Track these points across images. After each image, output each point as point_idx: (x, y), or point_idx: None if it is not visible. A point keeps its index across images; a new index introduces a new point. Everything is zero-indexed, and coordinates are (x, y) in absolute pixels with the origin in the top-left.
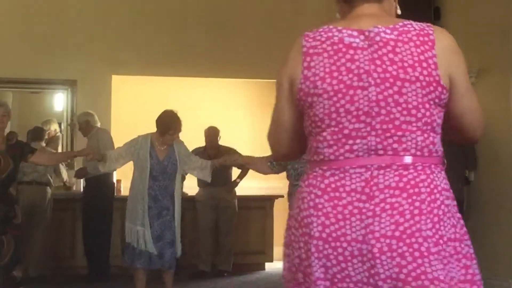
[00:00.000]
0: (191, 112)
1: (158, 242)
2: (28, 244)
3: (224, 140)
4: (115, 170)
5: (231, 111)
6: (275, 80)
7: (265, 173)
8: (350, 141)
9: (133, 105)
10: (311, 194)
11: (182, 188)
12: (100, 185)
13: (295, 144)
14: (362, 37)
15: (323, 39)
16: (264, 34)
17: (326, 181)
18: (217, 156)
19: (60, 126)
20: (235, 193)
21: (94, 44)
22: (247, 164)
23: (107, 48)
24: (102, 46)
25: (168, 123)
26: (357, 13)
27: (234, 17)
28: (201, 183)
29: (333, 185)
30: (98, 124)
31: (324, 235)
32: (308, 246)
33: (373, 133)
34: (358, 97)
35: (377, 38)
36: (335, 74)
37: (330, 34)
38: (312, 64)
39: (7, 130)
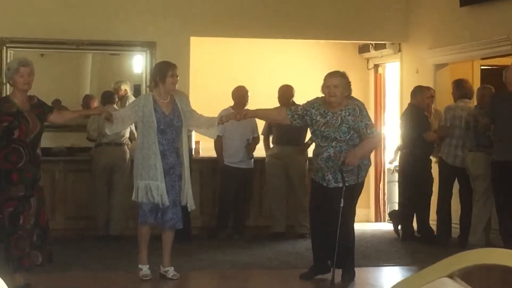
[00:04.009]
0: (268, 74)
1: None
2: (108, 203)
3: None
4: (120, 131)
5: (308, 73)
6: (353, 42)
7: (282, 123)
8: None
9: (211, 67)
10: None
11: (190, 145)
12: None
13: None
14: None
15: None
16: None
17: None
18: None
19: (140, 88)
20: (307, 155)
21: (173, 6)
22: (257, 116)
23: (186, 10)
24: (181, 8)
25: (163, 66)
26: None
27: None
28: (275, 140)
29: None
30: None
31: None
32: None
33: None
34: None
35: None
36: None
37: None
38: None
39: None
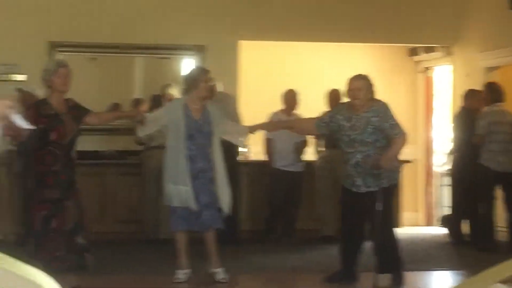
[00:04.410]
0: (318, 77)
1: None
2: (157, 207)
3: None
4: (150, 133)
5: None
6: (404, 45)
7: (310, 134)
8: None
9: (260, 70)
10: None
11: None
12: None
13: None
14: None
15: None
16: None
17: None
18: None
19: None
20: None
21: (222, 10)
22: (289, 128)
23: (235, 14)
24: (230, 12)
25: (195, 72)
26: None
27: None
28: (326, 144)
29: None
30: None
31: None
32: None
33: None
34: None
35: None
36: None
37: None
38: None
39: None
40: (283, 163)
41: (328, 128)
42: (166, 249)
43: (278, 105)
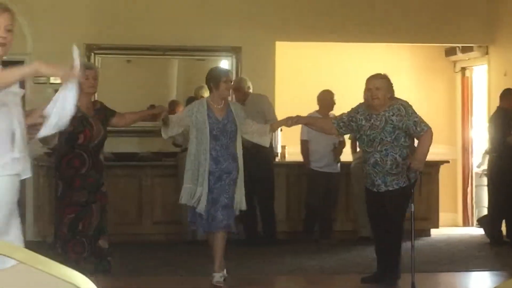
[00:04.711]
0: (354, 78)
1: (213, 205)
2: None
3: None
4: (174, 135)
5: (394, 77)
6: (441, 45)
7: (328, 133)
8: None
9: (296, 71)
10: None
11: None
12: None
13: None
14: None
15: None
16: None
17: None
18: None
19: None
20: None
21: (258, 11)
22: (308, 125)
23: (271, 15)
24: (266, 13)
25: (216, 72)
26: None
27: None
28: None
29: None
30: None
31: None
32: None
33: None
34: None
35: None
36: None
37: None
38: None
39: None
40: (319, 164)
41: (348, 128)
42: (204, 251)
43: (314, 106)
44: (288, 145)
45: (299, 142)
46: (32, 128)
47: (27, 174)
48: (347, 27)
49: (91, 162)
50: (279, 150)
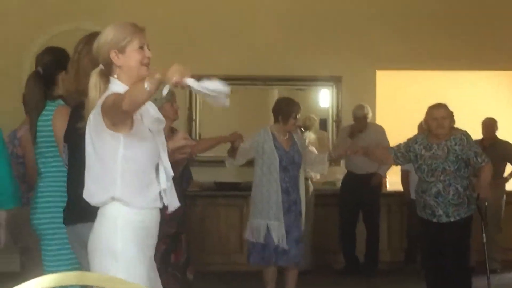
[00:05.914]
0: (461, 106)
1: (286, 238)
2: None
3: (503, 135)
4: (237, 165)
5: (504, 104)
6: None
7: (385, 163)
8: None
9: (397, 100)
10: None
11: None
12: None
13: None
14: None
15: None
16: None
17: None
18: (492, 148)
19: (326, 122)
20: (504, 188)
21: (358, 41)
22: (366, 155)
23: (372, 44)
24: (367, 42)
25: (289, 107)
26: None
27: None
28: None
29: None
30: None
31: None
32: None
33: None
34: None
35: None
36: None
37: None
38: None
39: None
40: None
41: (405, 158)
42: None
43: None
44: (389, 174)
45: (398, 172)
46: (177, 152)
47: (176, 204)
48: (448, 55)
49: (177, 192)
50: None
